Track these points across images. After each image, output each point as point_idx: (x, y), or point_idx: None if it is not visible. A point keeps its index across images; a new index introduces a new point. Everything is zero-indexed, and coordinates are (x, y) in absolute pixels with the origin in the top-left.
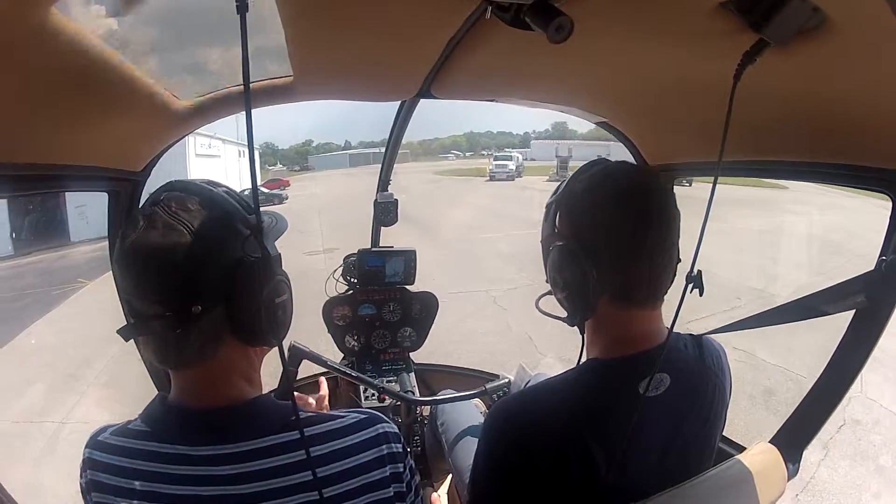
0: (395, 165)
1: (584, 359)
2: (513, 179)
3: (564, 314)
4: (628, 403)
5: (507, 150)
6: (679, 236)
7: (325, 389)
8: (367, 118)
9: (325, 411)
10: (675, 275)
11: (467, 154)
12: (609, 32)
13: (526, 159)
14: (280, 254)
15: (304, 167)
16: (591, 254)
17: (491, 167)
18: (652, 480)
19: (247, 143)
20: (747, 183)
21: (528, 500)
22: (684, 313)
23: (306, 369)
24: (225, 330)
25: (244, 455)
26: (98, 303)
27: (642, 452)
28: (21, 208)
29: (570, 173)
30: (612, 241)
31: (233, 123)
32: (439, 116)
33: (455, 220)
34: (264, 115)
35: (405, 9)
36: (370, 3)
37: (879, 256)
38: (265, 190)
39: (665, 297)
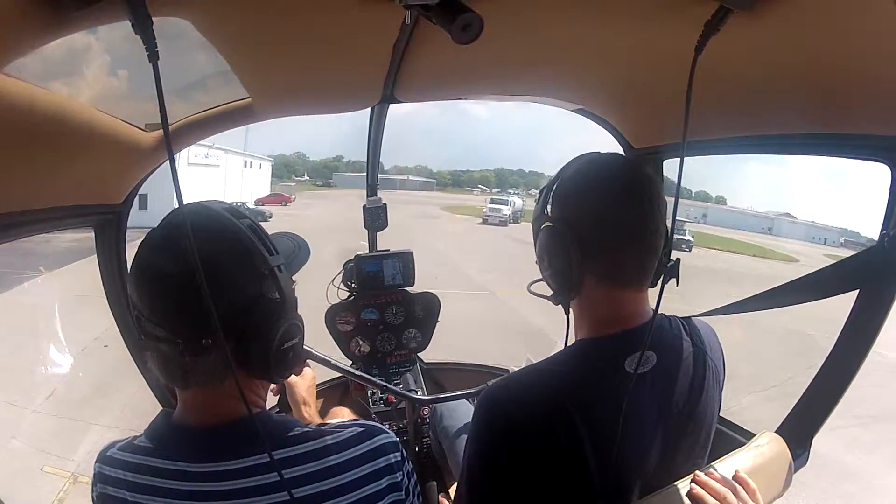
0: (416, 191)
1: (570, 341)
2: (506, 225)
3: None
4: (614, 381)
5: (510, 190)
6: (665, 222)
7: (309, 374)
8: (403, 145)
9: (310, 394)
10: (660, 259)
11: (494, 190)
12: (566, 14)
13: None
14: (297, 298)
15: (326, 183)
16: (578, 236)
17: (485, 210)
18: (646, 461)
19: (174, 189)
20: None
21: (519, 483)
22: None
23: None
24: (233, 362)
25: (239, 472)
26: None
27: (632, 430)
28: None
29: None
30: (598, 225)
31: (241, 133)
32: (472, 150)
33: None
34: (298, 122)
35: (339, 21)
36: (303, 23)
37: (881, 231)
38: (251, 207)
39: (651, 279)
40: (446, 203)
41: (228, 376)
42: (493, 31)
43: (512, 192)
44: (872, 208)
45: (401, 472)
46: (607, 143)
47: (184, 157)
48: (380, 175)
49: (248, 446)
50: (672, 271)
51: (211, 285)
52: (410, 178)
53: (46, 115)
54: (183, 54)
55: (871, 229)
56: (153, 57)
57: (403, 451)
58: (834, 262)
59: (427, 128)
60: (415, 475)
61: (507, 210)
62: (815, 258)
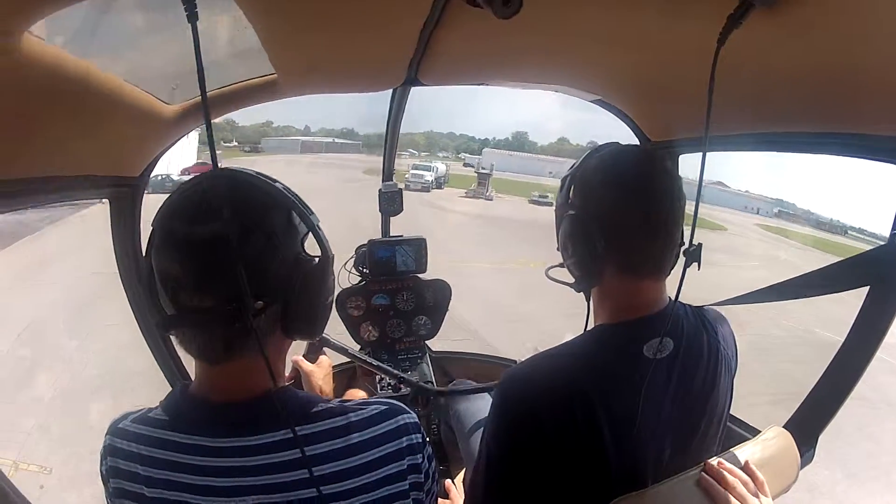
0: (338, 154)
1: (590, 326)
2: (428, 191)
3: (572, 280)
4: (633, 366)
5: (440, 153)
6: (683, 216)
7: (326, 362)
8: (334, 107)
9: (326, 382)
10: (679, 251)
11: (423, 154)
12: (594, 4)
13: (482, 167)
14: (334, 255)
15: (254, 148)
16: (601, 226)
17: (407, 175)
18: (661, 447)
19: (210, 157)
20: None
21: (537, 467)
22: None
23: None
24: (276, 325)
25: (260, 448)
26: None
27: (649, 416)
28: None
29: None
30: (619, 217)
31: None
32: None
33: None
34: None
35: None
36: None
37: (892, 230)
38: (176, 178)
39: (671, 270)
40: (371, 167)
41: (271, 340)
42: (519, 17)
43: (441, 155)
44: (807, 183)
45: (421, 455)
46: (544, 109)
47: None
48: (303, 138)
49: (271, 422)
50: (694, 256)
51: (263, 244)
52: (336, 140)
53: (70, 81)
54: (210, 27)
55: (806, 203)
56: (192, 18)
57: (424, 433)
58: (841, 259)
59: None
60: (435, 460)
61: (429, 176)
62: (746, 227)
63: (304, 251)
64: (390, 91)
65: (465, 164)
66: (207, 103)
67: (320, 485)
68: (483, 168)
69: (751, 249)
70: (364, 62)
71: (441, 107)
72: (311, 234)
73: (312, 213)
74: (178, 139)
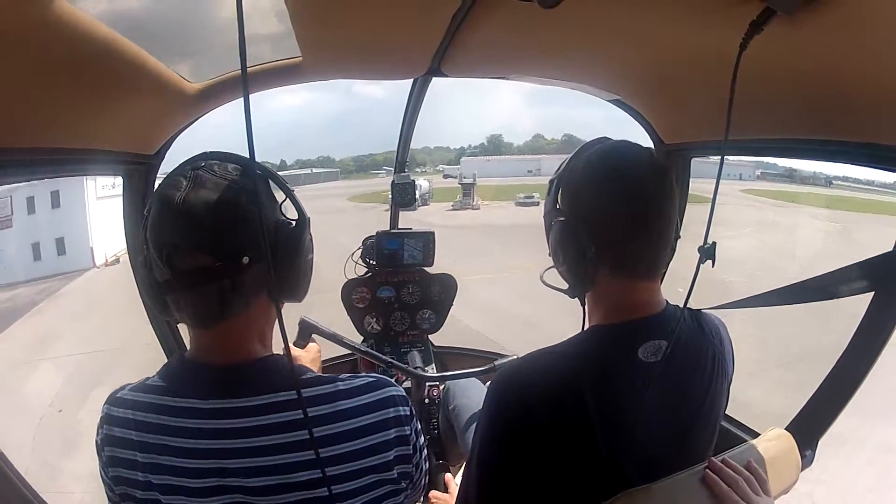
0: (318, 185)
1: (585, 327)
2: (414, 209)
3: (566, 286)
4: (626, 368)
5: (417, 169)
6: (677, 212)
7: (314, 348)
8: (306, 135)
9: (314, 368)
10: (674, 250)
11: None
12: (618, 3)
13: (464, 177)
14: (310, 217)
15: None
16: (590, 230)
17: (390, 195)
18: (655, 449)
19: (245, 132)
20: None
21: (529, 464)
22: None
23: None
24: (263, 284)
25: (250, 410)
26: None
27: (642, 416)
28: None
29: (477, 200)
30: (609, 219)
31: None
32: (371, 134)
33: None
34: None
35: None
36: None
37: None
38: None
39: (666, 269)
40: (353, 192)
41: (256, 301)
42: (551, 12)
43: (419, 170)
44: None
45: (408, 427)
46: (514, 109)
47: (91, 191)
48: (281, 172)
49: (263, 385)
50: (708, 253)
51: (248, 206)
52: (314, 170)
53: (98, 50)
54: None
55: (786, 161)
56: None
57: (412, 407)
58: (848, 263)
59: (326, 116)
60: (423, 436)
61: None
62: (732, 195)
63: (284, 216)
64: (390, 90)
65: (445, 176)
66: (247, 80)
67: (304, 448)
68: (465, 178)
69: (742, 216)
70: (390, 49)
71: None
72: (288, 199)
73: (287, 182)
74: (198, 118)
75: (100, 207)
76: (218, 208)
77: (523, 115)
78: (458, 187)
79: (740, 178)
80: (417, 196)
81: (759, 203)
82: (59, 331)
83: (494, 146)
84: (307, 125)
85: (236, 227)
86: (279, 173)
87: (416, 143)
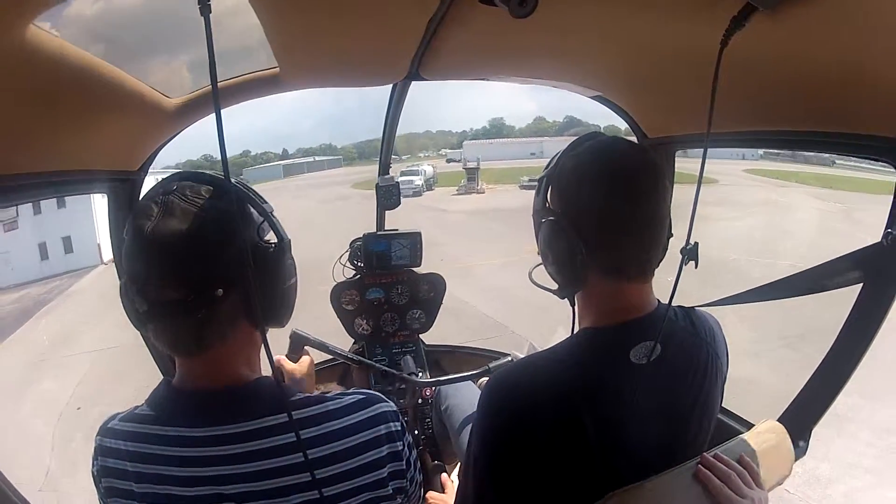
0: (321, 172)
1: (576, 329)
2: (420, 195)
3: (556, 286)
4: (618, 371)
5: (421, 154)
6: (670, 211)
7: (307, 361)
8: (305, 123)
9: (308, 382)
10: (666, 249)
11: (403, 157)
12: (595, 4)
13: (468, 161)
14: (290, 239)
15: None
16: (581, 229)
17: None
18: (649, 450)
19: (219, 146)
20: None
21: (523, 469)
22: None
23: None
24: (241, 313)
25: (240, 436)
26: None
27: (635, 419)
28: None
29: (482, 184)
30: (600, 217)
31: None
32: (371, 120)
33: None
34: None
35: None
36: None
37: (885, 228)
38: None
39: (657, 269)
40: (356, 179)
41: (235, 330)
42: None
43: (422, 155)
44: None
45: (401, 442)
46: (516, 92)
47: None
48: (283, 162)
49: (250, 410)
50: (691, 254)
51: (217, 235)
52: (317, 158)
53: (73, 73)
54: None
55: None
56: (205, 10)
57: (403, 422)
58: (837, 256)
59: (323, 106)
60: (415, 448)
61: (419, 180)
62: (736, 175)
63: (261, 239)
64: (381, 89)
65: (449, 161)
66: (198, 102)
67: (298, 472)
68: (470, 162)
69: (747, 197)
70: (367, 56)
71: (413, 106)
72: (265, 222)
73: (266, 202)
74: (178, 132)
75: (105, 203)
76: (189, 239)
77: (524, 97)
78: (461, 171)
79: (743, 158)
80: (422, 182)
81: (761, 183)
82: (71, 328)
83: (497, 129)
84: (309, 110)
85: (207, 260)
86: (281, 163)
87: (418, 128)
